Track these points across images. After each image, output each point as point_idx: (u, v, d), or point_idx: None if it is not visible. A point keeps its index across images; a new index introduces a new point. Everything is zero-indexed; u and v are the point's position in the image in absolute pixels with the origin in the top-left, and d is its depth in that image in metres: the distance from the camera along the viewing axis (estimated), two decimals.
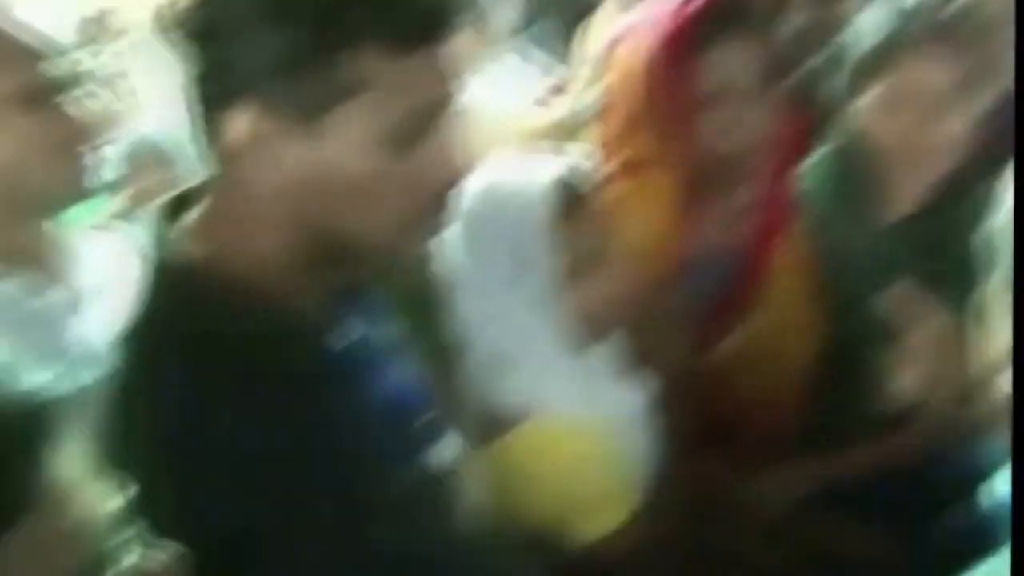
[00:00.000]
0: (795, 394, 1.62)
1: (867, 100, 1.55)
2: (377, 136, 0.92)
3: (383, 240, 0.97)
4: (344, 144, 0.92)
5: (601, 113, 1.59)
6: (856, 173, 1.63)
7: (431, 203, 0.98)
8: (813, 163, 1.71)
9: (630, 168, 1.54)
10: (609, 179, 1.53)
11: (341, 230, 0.95)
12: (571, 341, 1.31)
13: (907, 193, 1.58)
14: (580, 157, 1.42)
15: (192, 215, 1.00)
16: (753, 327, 1.60)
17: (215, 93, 0.92)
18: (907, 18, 1.51)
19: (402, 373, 1.09)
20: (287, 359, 0.91)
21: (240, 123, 0.91)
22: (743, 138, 1.50)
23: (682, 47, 1.47)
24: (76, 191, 1.34)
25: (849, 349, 1.59)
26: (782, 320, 1.61)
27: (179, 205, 1.01)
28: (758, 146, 1.52)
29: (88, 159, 1.33)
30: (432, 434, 1.08)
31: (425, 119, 0.94)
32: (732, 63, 1.48)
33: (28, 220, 1.34)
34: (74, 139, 1.31)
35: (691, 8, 1.48)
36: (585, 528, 1.26)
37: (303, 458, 0.89)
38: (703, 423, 1.52)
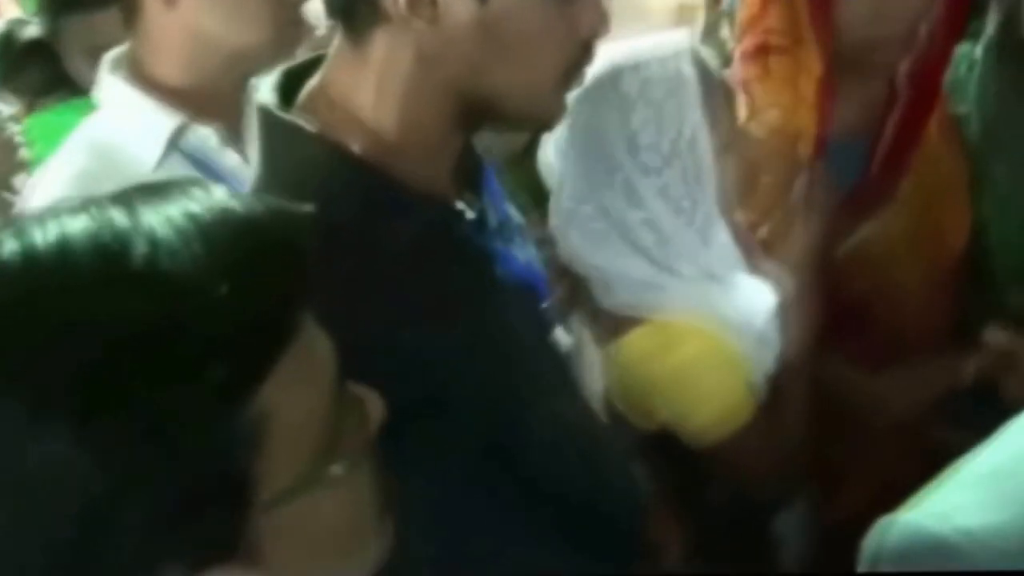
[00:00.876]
0: (933, 292, 1.56)
1: None
2: None
3: (534, 95, 0.99)
4: (515, 3, 0.93)
5: None
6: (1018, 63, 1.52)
7: (581, 55, 1.00)
8: (969, 51, 1.61)
9: (770, 48, 1.48)
10: (749, 59, 1.48)
11: (494, 88, 0.96)
12: (704, 229, 1.28)
13: None
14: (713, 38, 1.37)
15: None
16: (890, 219, 1.53)
17: None
18: None
19: (527, 256, 1.10)
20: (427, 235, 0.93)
21: None
22: (888, 20, 1.42)
23: None
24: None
25: (995, 254, 1.52)
26: (922, 213, 1.54)
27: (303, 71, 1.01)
28: (904, 30, 1.44)
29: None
30: (556, 318, 1.09)
31: None
32: None
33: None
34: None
35: None
36: (704, 428, 1.25)
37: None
38: (834, 319, 1.47)
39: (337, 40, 0.99)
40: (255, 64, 1.27)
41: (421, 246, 0.92)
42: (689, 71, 1.23)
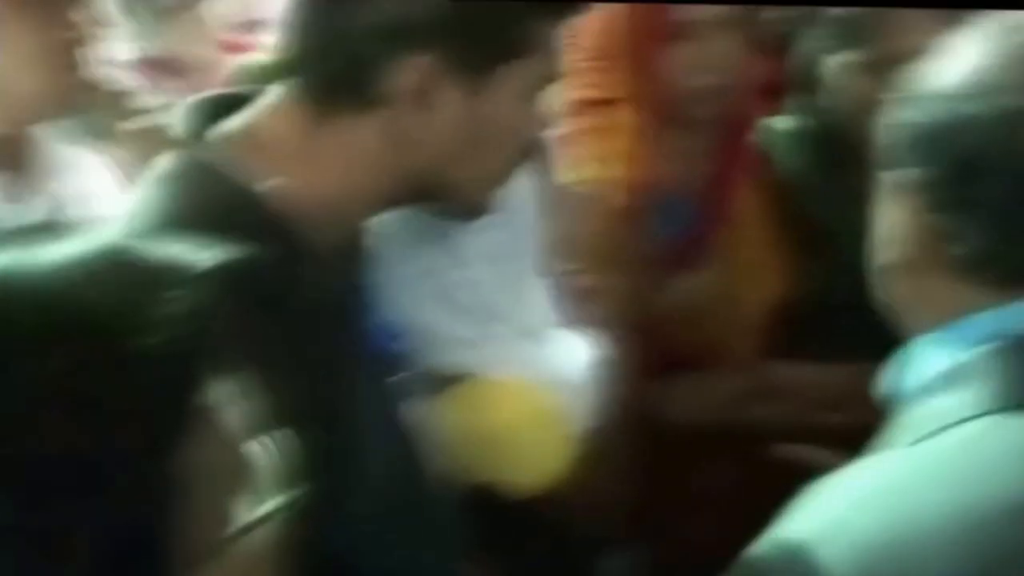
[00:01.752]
0: (752, 344, 1.60)
1: (844, 59, 1.51)
2: (529, 94, 0.99)
3: (485, 187, 1.03)
4: (503, 100, 0.97)
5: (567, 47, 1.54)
6: (828, 130, 1.59)
7: (531, 151, 1.06)
8: (788, 112, 1.69)
9: (595, 104, 1.50)
10: (572, 113, 1.50)
11: (456, 177, 0.99)
12: (526, 286, 1.28)
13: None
14: None
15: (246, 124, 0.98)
16: (711, 273, 1.57)
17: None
18: None
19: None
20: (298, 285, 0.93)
21: (412, 72, 0.93)
22: (712, 76, 1.47)
23: None
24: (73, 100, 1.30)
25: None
26: (742, 268, 1.59)
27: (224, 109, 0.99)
28: (727, 86, 1.49)
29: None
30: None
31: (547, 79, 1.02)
32: None
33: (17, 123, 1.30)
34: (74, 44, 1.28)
35: None
36: (526, 483, 1.24)
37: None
38: (657, 369, 1.51)
39: (286, 98, 0.98)
40: (36, 113, 1.23)
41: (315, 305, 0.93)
42: None
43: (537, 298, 1.29)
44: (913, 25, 1.40)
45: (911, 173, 0.80)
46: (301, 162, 0.95)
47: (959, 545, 0.70)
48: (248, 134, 0.97)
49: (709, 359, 1.58)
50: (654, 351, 1.52)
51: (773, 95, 1.61)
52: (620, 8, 1.45)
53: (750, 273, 1.59)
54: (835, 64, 1.52)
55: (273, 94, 0.99)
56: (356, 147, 0.95)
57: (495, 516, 1.26)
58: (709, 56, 1.45)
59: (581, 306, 1.40)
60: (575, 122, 1.50)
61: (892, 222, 0.84)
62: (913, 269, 0.82)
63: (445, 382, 1.20)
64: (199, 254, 0.65)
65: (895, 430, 0.81)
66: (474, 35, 0.94)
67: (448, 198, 1.03)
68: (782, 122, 1.68)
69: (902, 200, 0.82)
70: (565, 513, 1.28)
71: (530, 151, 1.07)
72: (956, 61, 0.80)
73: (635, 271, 1.49)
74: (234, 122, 0.99)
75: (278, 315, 0.87)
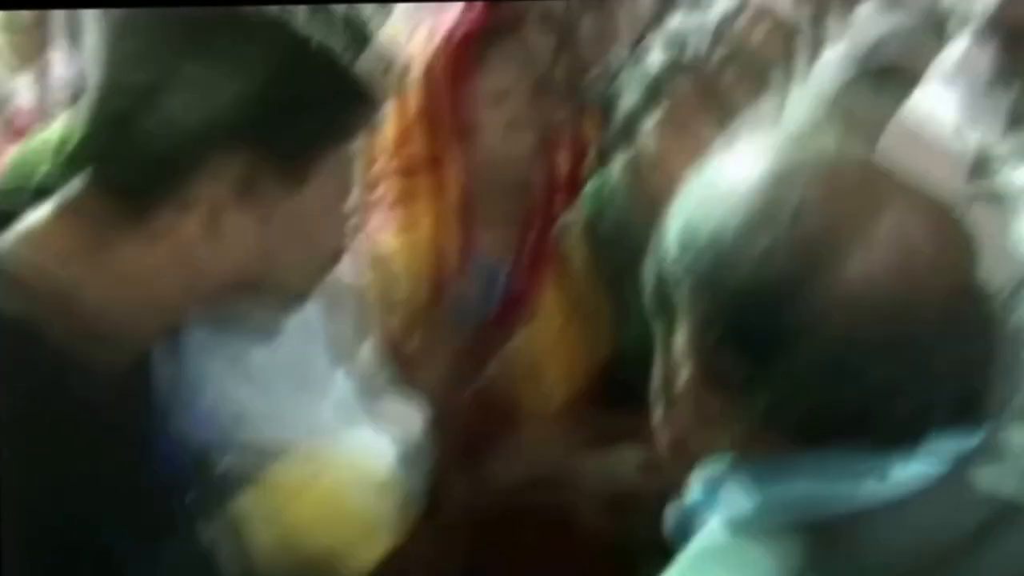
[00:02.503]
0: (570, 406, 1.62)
1: (656, 118, 1.55)
2: (352, 177, 0.98)
3: (304, 280, 1.01)
4: (327, 188, 0.95)
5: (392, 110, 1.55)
6: (640, 190, 1.62)
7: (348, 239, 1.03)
8: (599, 177, 1.71)
9: (410, 169, 1.51)
10: (394, 179, 1.50)
11: (270, 274, 0.96)
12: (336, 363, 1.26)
13: None
14: None
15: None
16: (534, 334, 1.59)
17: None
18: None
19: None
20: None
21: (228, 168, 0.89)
22: (525, 142, 1.49)
23: (464, 47, 1.45)
24: None
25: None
26: (556, 334, 1.61)
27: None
28: (539, 151, 1.52)
29: None
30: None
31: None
32: (516, 65, 1.47)
33: None
34: None
35: (474, 11, 1.46)
36: (358, 555, 1.21)
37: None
38: (478, 436, 1.51)
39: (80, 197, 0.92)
40: None
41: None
42: None
43: (356, 368, 1.28)
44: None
45: (692, 310, 0.72)
46: (110, 260, 0.90)
47: None
48: (34, 239, 0.91)
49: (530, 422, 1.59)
50: (475, 415, 1.52)
51: (583, 154, 1.64)
52: (434, 75, 1.46)
53: (573, 329, 1.61)
54: (645, 122, 1.56)
55: (64, 194, 0.93)
56: (172, 247, 0.91)
57: None
58: (523, 120, 1.48)
59: (401, 372, 1.40)
60: (399, 188, 1.51)
61: (678, 352, 0.74)
62: (703, 402, 0.73)
63: (263, 463, 1.17)
64: None
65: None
66: (291, 127, 0.91)
67: (273, 292, 0.99)
68: (598, 181, 1.70)
69: (688, 331, 0.73)
70: None
71: (354, 233, 1.04)
72: (740, 180, 0.71)
73: (455, 336, 1.49)
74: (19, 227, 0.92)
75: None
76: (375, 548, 1.21)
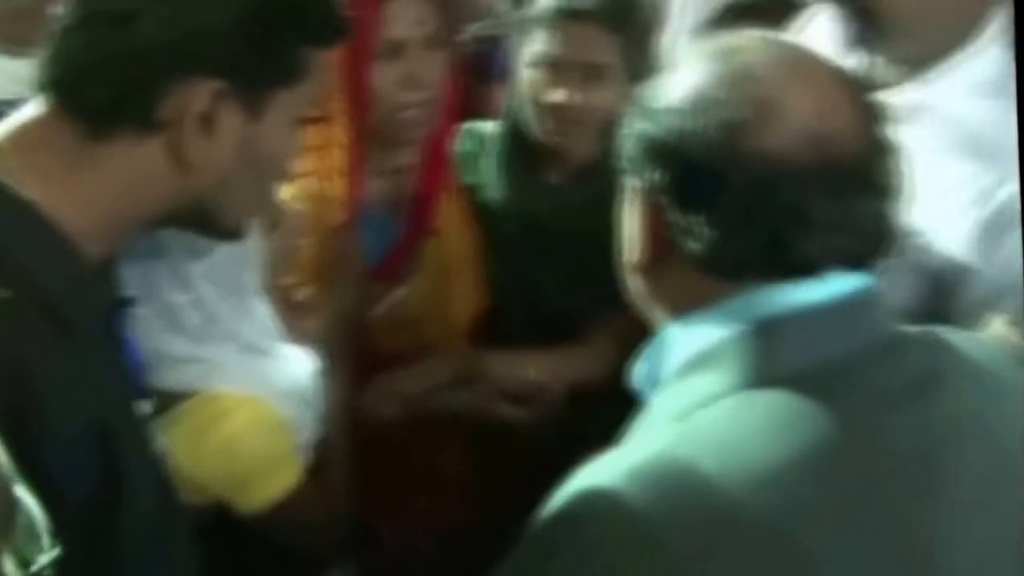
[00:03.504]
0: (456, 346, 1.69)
1: (527, 57, 1.61)
2: (297, 118, 1.03)
3: (250, 209, 1.07)
4: (278, 124, 0.99)
5: None
6: (521, 138, 1.68)
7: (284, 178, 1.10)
8: (480, 127, 1.78)
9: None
10: None
11: (228, 199, 1.00)
12: (249, 304, 1.30)
13: (573, 158, 1.66)
14: None
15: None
16: (416, 284, 1.65)
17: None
18: None
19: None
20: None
21: (195, 96, 0.92)
22: (418, 93, 1.53)
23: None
24: None
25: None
26: (447, 275, 1.67)
27: None
28: (431, 102, 1.55)
29: None
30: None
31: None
32: (409, 17, 1.50)
33: None
34: None
35: None
36: (256, 495, 1.26)
37: None
38: (370, 375, 1.57)
39: (53, 111, 0.93)
40: None
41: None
42: None
43: (259, 313, 1.32)
44: (581, 37, 1.56)
45: (648, 179, 0.87)
46: (71, 178, 0.92)
47: (722, 511, 0.76)
48: (13, 145, 0.93)
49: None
50: (368, 359, 1.58)
51: (458, 108, 1.68)
52: None
53: (455, 280, 1.68)
54: (522, 58, 1.62)
55: (37, 106, 0.95)
56: (133, 169, 0.93)
57: (228, 535, 1.27)
58: (415, 74, 1.52)
59: (298, 319, 1.45)
60: None
61: (635, 223, 0.91)
62: (656, 266, 0.90)
63: (171, 401, 1.21)
64: None
65: (651, 411, 0.88)
66: (258, 60, 0.95)
67: (215, 220, 1.03)
68: (483, 128, 1.77)
69: (642, 203, 0.90)
70: (294, 524, 1.31)
71: (288, 174, 1.09)
72: (680, 79, 0.88)
73: (347, 283, 1.54)
74: None
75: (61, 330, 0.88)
76: (278, 483, 1.27)
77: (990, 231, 1.50)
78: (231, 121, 0.95)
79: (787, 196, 0.82)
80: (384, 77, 1.51)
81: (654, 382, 0.91)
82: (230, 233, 1.07)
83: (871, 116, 0.88)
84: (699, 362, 0.86)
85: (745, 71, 0.86)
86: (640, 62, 1.57)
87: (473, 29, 2.08)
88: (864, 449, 0.81)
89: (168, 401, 1.20)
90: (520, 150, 1.69)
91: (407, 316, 1.64)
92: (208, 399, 1.22)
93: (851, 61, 1.63)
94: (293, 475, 1.28)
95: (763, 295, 0.85)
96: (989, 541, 0.83)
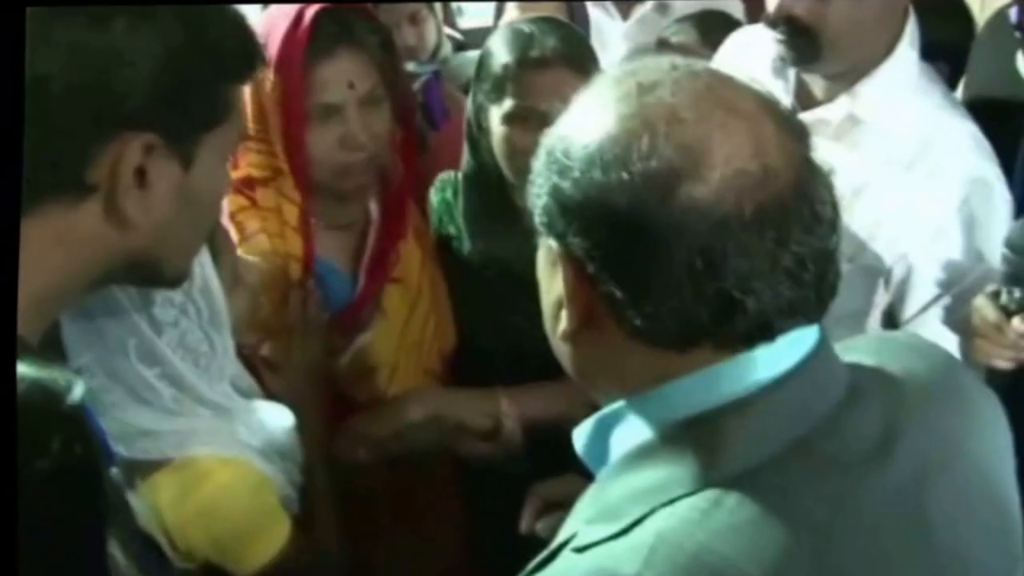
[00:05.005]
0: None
1: (499, 115, 1.63)
2: (227, 156, 1.03)
3: (188, 256, 1.05)
4: (209, 167, 0.98)
5: None
6: (487, 184, 1.71)
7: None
8: (447, 177, 1.81)
9: (255, 181, 1.55)
10: (237, 191, 1.53)
11: (168, 249, 0.99)
12: (221, 366, 1.29)
13: None
14: None
15: None
16: (380, 330, 1.66)
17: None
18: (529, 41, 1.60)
19: None
20: None
21: (125, 152, 0.90)
22: (352, 149, 1.54)
23: (291, 63, 1.48)
24: None
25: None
26: (408, 323, 1.69)
27: None
28: (367, 157, 1.56)
29: None
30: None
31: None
32: (341, 80, 1.51)
33: None
34: None
35: (299, 31, 1.48)
36: (245, 553, 1.26)
37: None
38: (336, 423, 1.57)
39: None
40: None
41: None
42: None
43: (230, 371, 1.32)
44: (551, 84, 1.56)
45: (569, 242, 0.77)
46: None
47: None
48: None
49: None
50: (345, 409, 1.60)
51: (412, 162, 1.70)
52: (268, 92, 1.50)
53: (420, 324, 1.69)
54: (492, 116, 1.64)
55: None
56: (69, 236, 0.91)
57: None
58: (351, 135, 1.52)
59: (265, 376, 1.45)
60: (242, 199, 1.55)
61: (556, 288, 0.81)
62: (587, 335, 0.80)
63: (146, 469, 1.20)
64: None
65: (593, 503, 0.80)
66: (181, 107, 0.93)
67: (156, 271, 1.02)
68: (450, 183, 1.80)
69: (564, 267, 0.79)
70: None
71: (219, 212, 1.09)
72: (592, 123, 0.78)
73: (310, 337, 1.54)
74: None
75: None
76: (269, 541, 1.27)
77: (956, 224, 1.58)
78: (165, 172, 0.94)
79: (730, 251, 0.73)
80: (321, 139, 1.52)
81: (598, 460, 0.83)
82: (173, 280, 1.06)
83: (799, 140, 0.78)
84: (644, 453, 0.78)
85: (665, 111, 0.76)
86: None
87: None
88: (841, 528, 0.75)
89: (142, 470, 1.19)
90: (488, 199, 1.71)
91: (373, 362, 1.65)
92: (185, 463, 1.21)
93: (781, 81, 1.71)
94: (283, 531, 1.28)
95: (715, 373, 0.76)
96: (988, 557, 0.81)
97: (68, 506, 0.76)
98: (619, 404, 0.80)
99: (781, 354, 0.77)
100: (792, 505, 0.73)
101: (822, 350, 0.79)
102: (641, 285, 0.74)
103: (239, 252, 1.47)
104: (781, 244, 0.74)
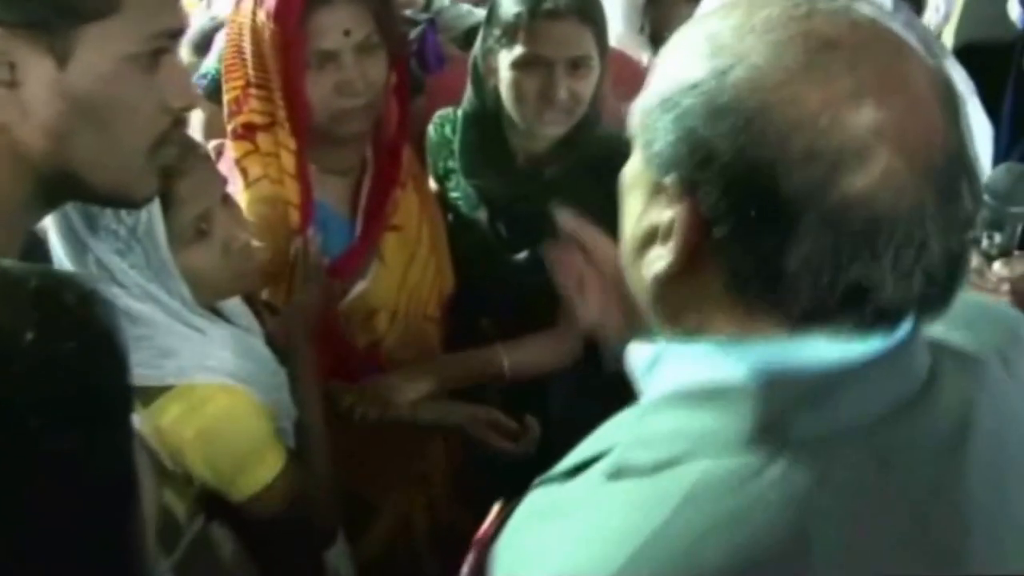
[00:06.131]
0: (430, 327, 1.76)
1: (508, 60, 1.66)
2: (128, 57, 0.92)
3: (122, 169, 0.97)
4: (100, 66, 0.91)
5: (227, 69, 1.60)
6: (486, 123, 1.74)
7: (171, 128, 0.99)
8: (446, 114, 1.84)
9: (256, 127, 1.57)
10: (240, 137, 1.57)
11: (78, 160, 0.94)
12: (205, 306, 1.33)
13: (544, 142, 1.72)
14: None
15: None
16: (380, 275, 1.69)
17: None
18: None
19: None
20: None
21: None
22: (349, 94, 1.56)
23: (290, 11, 1.50)
24: None
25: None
26: (408, 265, 1.71)
27: None
28: (367, 107, 1.58)
29: None
30: None
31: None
32: (337, 28, 1.53)
33: None
34: None
35: None
36: (242, 479, 1.30)
37: None
38: (346, 364, 1.63)
39: None
40: None
41: None
42: None
43: (233, 307, 1.36)
44: (562, 34, 1.62)
45: (699, 189, 0.70)
46: None
47: None
48: None
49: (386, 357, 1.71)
50: (344, 352, 1.65)
51: (405, 105, 1.71)
52: (267, 39, 1.52)
53: (419, 269, 1.72)
54: (502, 60, 1.68)
55: None
56: None
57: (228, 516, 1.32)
58: (349, 81, 1.55)
59: (266, 319, 1.49)
60: (245, 145, 1.58)
61: (658, 221, 0.74)
62: (683, 278, 0.74)
63: (148, 396, 1.24)
64: None
65: (637, 425, 0.77)
66: None
67: (93, 187, 0.97)
68: (448, 120, 1.83)
69: (683, 209, 0.72)
70: (286, 506, 1.35)
71: (169, 128, 1.00)
72: (738, 53, 0.70)
73: (312, 282, 1.58)
74: None
75: None
76: (266, 467, 1.31)
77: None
78: (35, 67, 0.89)
79: (880, 245, 0.67)
80: (319, 85, 1.55)
81: (641, 384, 0.79)
82: (111, 198, 1.02)
83: (956, 123, 0.71)
84: (701, 396, 0.73)
85: (847, 89, 0.67)
86: (606, 50, 1.68)
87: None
88: (900, 511, 0.70)
89: (143, 396, 1.23)
90: (485, 137, 1.75)
91: (372, 308, 1.68)
92: (186, 390, 1.25)
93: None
94: (278, 460, 1.32)
95: (808, 344, 0.71)
96: None
97: (100, 380, 0.72)
98: (698, 342, 0.75)
99: (881, 339, 0.72)
100: (830, 493, 0.69)
101: (915, 335, 0.74)
102: (773, 261, 0.68)
103: (246, 195, 1.52)
104: (925, 243, 0.69)
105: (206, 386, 1.27)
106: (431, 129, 1.86)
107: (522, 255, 1.73)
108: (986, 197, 1.47)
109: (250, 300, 1.46)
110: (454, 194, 1.82)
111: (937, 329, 0.76)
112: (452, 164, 1.82)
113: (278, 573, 1.42)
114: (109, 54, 0.92)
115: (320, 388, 1.49)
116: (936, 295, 0.71)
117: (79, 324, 0.71)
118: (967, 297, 0.76)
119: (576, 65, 1.65)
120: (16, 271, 0.72)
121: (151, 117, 0.97)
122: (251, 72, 1.55)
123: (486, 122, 1.75)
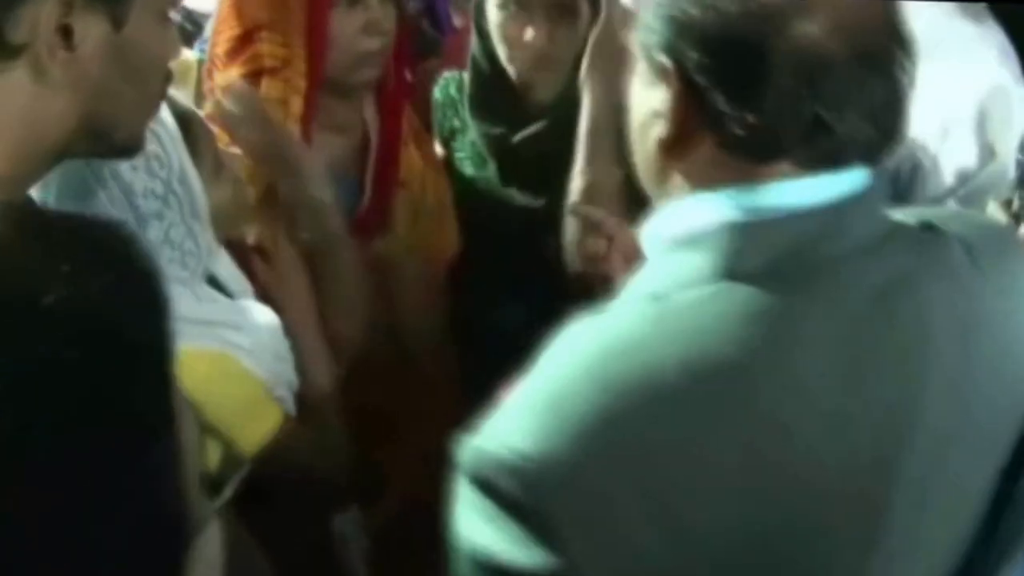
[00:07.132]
0: (433, 290, 1.70)
1: (503, 9, 1.62)
2: (163, 15, 0.99)
3: (141, 120, 1.02)
4: (144, 26, 0.95)
5: (222, 21, 1.56)
6: (492, 69, 1.69)
7: (165, 81, 1.04)
8: (450, 75, 1.80)
9: (263, 72, 1.53)
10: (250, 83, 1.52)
11: (116, 113, 0.97)
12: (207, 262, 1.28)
13: (542, 92, 1.66)
14: None
15: None
16: (390, 238, 1.65)
17: None
18: None
19: None
20: None
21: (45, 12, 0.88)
22: (375, 40, 1.55)
23: None
24: None
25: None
26: (414, 225, 1.68)
27: None
28: (384, 51, 1.57)
29: None
30: None
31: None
32: None
33: None
34: None
35: None
36: (233, 440, 1.22)
37: None
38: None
39: None
40: None
41: None
42: (164, 112, 1.21)
43: (221, 268, 1.31)
44: None
45: (686, 59, 0.85)
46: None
47: (688, 395, 0.79)
48: None
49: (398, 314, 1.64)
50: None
51: (406, 59, 1.70)
52: None
53: (428, 227, 1.68)
54: (489, 2, 1.64)
55: None
56: (8, 104, 0.89)
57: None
58: (375, 21, 1.53)
59: (257, 268, 1.43)
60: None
61: (658, 101, 0.88)
62: (679, 145, 0.88)
63: None
64: None
65: (636, 281, 0.89)
66: None
67: (115, 139, 1.00)
68: (453, 79, 1.79)
69: (674, 82, 0.86)
70: (293, 470, 1.30)
71: (170, 77, 1.06)
72: None
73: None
74: None
75: None
76: (253, 434, 1.24)
77: (970, 125, 1.55)
78: (92, 30, 0.92)
79: (826, 81, 0.82)
80: (348, 24, 1.53)
81: (653, 244, 0.92)
82: (125, 149, 1.04)
83: (893, 8, 0.87)
84: (690, 240, 0.87)
85: None
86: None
87: None
88: (837, 343, 0.83)
89: None
90: (492, 84, 1.69)
91: (383, 267, 1.62)
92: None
93: None
94: (268, 425, 1.26)
95: (776, 187, 0.85)
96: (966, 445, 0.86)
97: (137, 319, 0.71)
98: (690, 196, 0.89)
99: (837, 183, 0.86)
100: (788, 318, 0.82)
101: (873, 187, 0.88)
102: (748, 99, 0.83)
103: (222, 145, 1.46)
104: (871, 86, 0.83)
105: (186, 353, 1.21)
106: (436, 89, 1.81)
107: (532, 203, 1.68)
108: (1021, 156, 1.43)
109: (240, 252, 1.40)
110: (460, 154, 1.77)
111: (904, 215, 0.92)
112: (457, 123, 1.77)
113: (280, 539, 1.37)
114: (152, 12, 0.97)
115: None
116: (880, 139, 0.86)
117: (118, 260, 0.71)
118: (948, 208, 0.91)
119: (561, 11, 1.59)
120: (52, 212, 0.73)
121: (166, 71, 1.04)
122: (267, 13, 1.51)
123: (491, 67, 1.68)
